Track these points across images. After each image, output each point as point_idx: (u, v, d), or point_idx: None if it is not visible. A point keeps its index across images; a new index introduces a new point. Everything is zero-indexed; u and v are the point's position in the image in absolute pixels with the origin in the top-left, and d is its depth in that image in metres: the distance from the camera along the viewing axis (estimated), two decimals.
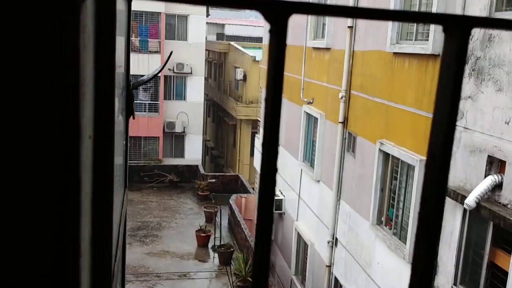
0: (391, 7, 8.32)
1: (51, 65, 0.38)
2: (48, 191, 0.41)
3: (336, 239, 10.66)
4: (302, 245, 12.74)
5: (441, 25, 0.41)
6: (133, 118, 1.69)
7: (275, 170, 0.41)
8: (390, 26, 8.38)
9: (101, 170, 0.62)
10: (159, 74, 24.60)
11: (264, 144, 0.38)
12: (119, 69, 1.36)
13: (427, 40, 7.41)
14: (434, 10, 7.13)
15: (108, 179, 0.66)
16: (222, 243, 16.69)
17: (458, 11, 6.55)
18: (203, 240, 17.00)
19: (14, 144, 0.40)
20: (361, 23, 9.72)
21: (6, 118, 0.40)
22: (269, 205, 0.43)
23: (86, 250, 0.61)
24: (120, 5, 1.35)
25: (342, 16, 0.39)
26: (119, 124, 1.40)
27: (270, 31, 0.38)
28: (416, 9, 7.91)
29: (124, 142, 1.59)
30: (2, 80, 0.39)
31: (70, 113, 0.40)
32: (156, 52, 24.83)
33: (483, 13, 6.12)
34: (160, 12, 25.00)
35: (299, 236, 12.91)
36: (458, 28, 0.40)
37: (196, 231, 17.25)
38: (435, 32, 7.10)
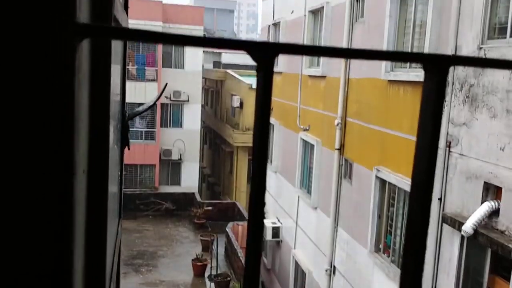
0: (385, 38, 8.47)
1: (46, 103, 0.40)
2: (41, 226, 0.42)
3: (334, 267, 10.54)
4: (300, 274, 12.58)
5: (421, 64, 0.43)
6: (128, 149, 1.70)
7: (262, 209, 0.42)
8: None
9: (95, 203, 0.63)
10: (155, 102, 24.76)
11: (251, 191, 0.40)
12: (115, 98, 1.39)
13: (421, 68, 7.52)
14: (427, 38, 7.27)
15: (102, 213, 0.67)
16: (218, 272, 16.45)
17: (451, 39, 6.67)
18: (199, 269, 16.76)
19: (7, 179, 0.41)
20: None
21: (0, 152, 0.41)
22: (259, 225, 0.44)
23: (79, 282, 0.61)
24: None
25: (326, 56, 0.41)
26: (114, 155, 1.42)
27: (257, 70, 0.40)
28: (410, 38, 8.06)
29: (119, 173, 1.60)
30: None
31: (64, 149, 0.41)
32: (153, 80, 25.05)
33: (476, 42, 6.24)
34: None
35: (296, 264, 12.76)
36: (436, 67, 0.42)
37: (192, 260, 17.02)
38: None
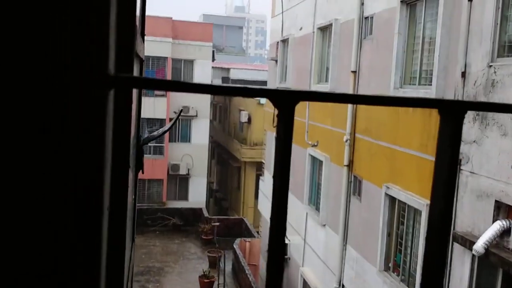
0: (394, 55, 8.49)
1: (80, 146, 0.42)
2: (73, 263, 0.43)
3: (343, 285, 10.42)
4: None
5: (437, 109, 0.44)
6: (142, 173, 1.72)
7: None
8: (393, 71, 8.53)
9: (114, 240, 0.65)
10: (164, 118, 24.90)
11: (271, 231, 0.41)
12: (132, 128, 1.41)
13: (430, 84, 7.52)
14: (436, 55, 7.28)
15: (120, 250, 0.69)
16: None
17: (460, 56, 6.67)
18: (206, 286, 16.64)
19: (42, 219, 0.43)
20: (365, 68, 9.90)
21: (33, 187, 0.43)
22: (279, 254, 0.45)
23: None
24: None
25: (342, 102, 0.42)
26: (129, 182, 1.43)
27: (278, 116, 0.41)
28: (419, 55, 8.07)
29: (133, 196, 1.62)
30: (30, 153, 0.42)
31: (96, 189, 0.43)
32: (162, 96, 25.24)
33: (485, 60, 6.23)
34: (166, 57, 25.58)
35: (305, 282, 12.63)
36: (452, 113, 0.43)
37: (199, 276, 16.91)
38: (438, 77, 7.22)
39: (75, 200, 0.43)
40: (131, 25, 0.68)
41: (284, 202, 0.42)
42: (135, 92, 1.34)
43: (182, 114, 25.98)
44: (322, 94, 0.41)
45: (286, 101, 0.40)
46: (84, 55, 0.41)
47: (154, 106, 24.74)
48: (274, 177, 0.42)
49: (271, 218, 0.42)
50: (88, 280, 0.44)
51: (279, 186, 0.41)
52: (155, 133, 3.19)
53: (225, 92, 0.38)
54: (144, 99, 25.48)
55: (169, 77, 25.68)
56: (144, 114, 24.17)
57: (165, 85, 0.36)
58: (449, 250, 6.66)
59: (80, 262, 0.43)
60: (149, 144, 25.69)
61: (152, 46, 24.90)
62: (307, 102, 12.93)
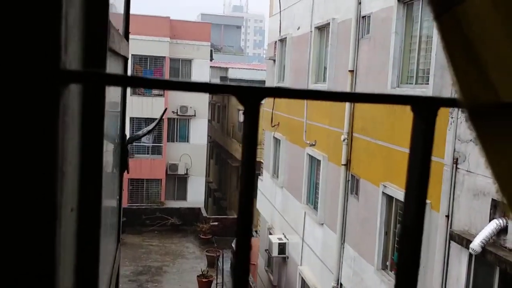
0: (391, 54, 8.49)
1: (28, 148, 0.40)
2: (23, 267, 0.42)
3: (341, 284, 10.42)
4: None
5: (409, 105, 0.43)
6: (128, 173, 1.71)
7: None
8: (390, 70, 8.53)
9: (86, 241, 0.63)
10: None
11: (238, 227, 0.39)
12: (115, 122, 1.39)
13: (427, 84, 7.52)
14: (433, 54, 7.27)
15: (93, 249, 0.67)
16: None
17: None
18: (204, 285, 16.64)
19: None
20: (362, 67, 9.90)
21: None
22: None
23: None
24: (115, 61, 1.40)
25: (307, 99, 0.41)
26: (111, 183, 1.42)
27: (244, 113, 0.40)
28: (416, 54, 8.07)
29: (118, 197, 1.60)
30: None
31: (47, 191, 0.41)
32: (160, 95, 25.21)
33: None
34: (164, 57, 25.56)
35: (303, 281, 12.63)
36: (425, 109, 0.42)
37: (198, 276, 16.91)
38: (435, 76, 7.22)
39: (21, 201, 0.42)
40: (103, 22, 0.66)
41: (250, 201, 0.41)
42: (115, 89, 1.33)
43: (180, 114, 25.97)
44: (286, 91, 0.40)
45: (250, 98, 0.39)
46: (30, 48, 0.40)
47: (152, 106, 24.71)
48: (240, 175, 0.41)
49: (237, 223, 0.41)
50: (41, 280, 0.43)
51: (245, 181, 0.39)
52: (140, 132, 3.18)
53: (184, 88, 0.37)
54: (142, 99, 25.58)
55: (167, 76, 25.65)
56: (143, 113, 24.22)
57: (123, 81, 0.35)
58: (446, 249, 6.66)
59: (31, 264, 0.42)
60: (147, 144, 25.67)
61: (150, 45, 24.88)
62: (305, 102, 12.92)
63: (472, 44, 0.38)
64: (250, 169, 0.40)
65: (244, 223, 0.40)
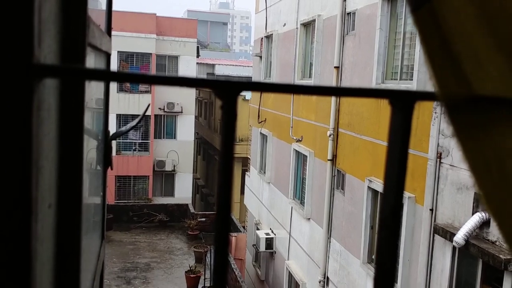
0: (375, 50, 8.54)
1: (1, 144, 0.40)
2: None
3: (328, 278, 10.50)
4: (294, 285, 12.51)
5: (387, 99, 0.43)
6: (111, 169, 1.70)
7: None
8: (375, 66, 8.59)
9: (66, 237, 0.63)
10: (149, 114, 24.71)
11: (216, 220, 0.40)
12: (97, 118, 1.38)
13: (411, 79, 7.58)
14: (417, 50, 7.34)
15: (74, 249, 0.66)
16: (212, 284, 16.32)
17: None
18: (192, 281, 16.64)
19: None
20: (347, 63, 9.95)
21: None
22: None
23: None
24: (97, 58, 1.38)
25: (285, 93, 0.41)
26: (97, 177, 1.40)
27: (221, 107, 0.40)
28: (400, 50, 8.13)
29: (102, 193, 1.59)
30: None
31: (21, 187, 0.41)
32: (146, 92, 25.05)
33: None
34: (151, 53, 25.38)
35: (290, 276, 12.70)
36: (402, 103, 0.42)
37: (186, 272, 16.90)
38: (419, 71, 7.28)
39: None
40: (81, 16, 0.66)
41: (229, 192, 0.41)
42: (98, 85, 1.32)
43: (167, 110, 25.83)
44: (262, 85, 0.40)
45: (227, 92, 0.39)
46: (0, 42, 0.39)
47: (139, 102, 24.55)
48: (218, 170, 0.41)
49: (217, 203, 0.41)
50: (15, 274, 0.42)
51: (223, 178, 0.39)
52: (123, 128, 3.16)
53: (161, 82, 0.37)
54: (129, 96, 25.39)
55: (153, 73, 25.45)
56: (129, 110, 24.04)
57: (99, 76, 0.35)
58: (430, 242, 6.74)
59: (4, 258, 0.41)
60: (134, 141, 25.50)
61: (136, 42, 24.67)
62: (291, 98, 12.95)
63: (446, 37, 0.39)
64: (228, 163, 0.40)
65: (223, 217, 0.40)
